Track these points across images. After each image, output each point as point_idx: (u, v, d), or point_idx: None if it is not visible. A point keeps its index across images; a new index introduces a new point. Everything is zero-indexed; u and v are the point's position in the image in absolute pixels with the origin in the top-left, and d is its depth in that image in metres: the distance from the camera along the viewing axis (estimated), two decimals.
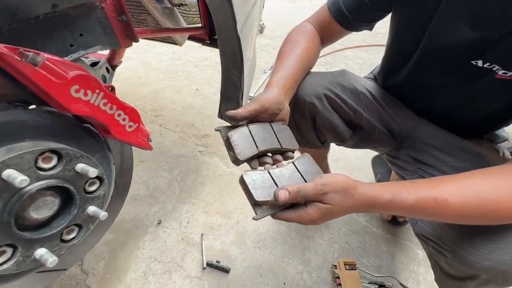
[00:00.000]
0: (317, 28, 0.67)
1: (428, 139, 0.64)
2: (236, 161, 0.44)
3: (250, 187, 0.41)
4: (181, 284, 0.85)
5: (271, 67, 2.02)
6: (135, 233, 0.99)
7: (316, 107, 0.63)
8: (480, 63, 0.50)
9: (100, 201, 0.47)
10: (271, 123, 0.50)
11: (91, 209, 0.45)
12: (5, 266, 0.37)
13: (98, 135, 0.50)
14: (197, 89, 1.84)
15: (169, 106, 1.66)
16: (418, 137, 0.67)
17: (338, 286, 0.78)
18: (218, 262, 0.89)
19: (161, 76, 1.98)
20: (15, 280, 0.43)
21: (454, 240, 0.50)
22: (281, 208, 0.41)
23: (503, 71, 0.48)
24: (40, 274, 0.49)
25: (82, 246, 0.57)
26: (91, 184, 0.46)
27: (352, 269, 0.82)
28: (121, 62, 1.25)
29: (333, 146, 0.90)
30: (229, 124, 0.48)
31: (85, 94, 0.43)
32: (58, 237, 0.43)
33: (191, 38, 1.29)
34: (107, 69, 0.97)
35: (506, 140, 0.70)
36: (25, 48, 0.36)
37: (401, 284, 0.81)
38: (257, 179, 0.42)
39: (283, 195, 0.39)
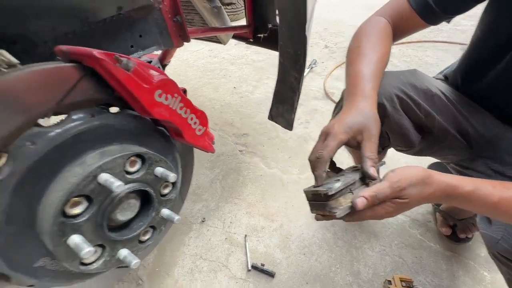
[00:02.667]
0: (391, 22, 0.61)
1: None
2: None
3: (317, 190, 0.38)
4: (226, 284, 0.86)
5: (310, 65, 1.96)
6: (181, 229, 1.02)
7: (386, 109, 0.58)
8: None
9: (172, 204, 0.48)
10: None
11: (165, 212, 0.46)
12: (95, 265, 0.38)
13: (170, 138, 0.51)
14: (234, 87, 1.84)
15: (207, 104, 1.68)
16: (502, 148, 0.59)
17: None
18: (263, 265, 0.88)
19: (199, 74, 2.02)
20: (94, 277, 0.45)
21: None
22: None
23: None
24: (116, 270, 0.51)
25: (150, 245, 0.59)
26: (165, 187, 0.47)
27: (409, 287, 0.76)
28: (170, 61, 1.28)
29: None
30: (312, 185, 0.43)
31: (166, 99, 0.43)
32: (137, 239, 0.44)
33: (234, 36, 1.28)
34: (159, 68, 0.98)
35: None
36: (119, 54, 0.36)
37: None
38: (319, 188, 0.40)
39: (361, 202, 0.37)
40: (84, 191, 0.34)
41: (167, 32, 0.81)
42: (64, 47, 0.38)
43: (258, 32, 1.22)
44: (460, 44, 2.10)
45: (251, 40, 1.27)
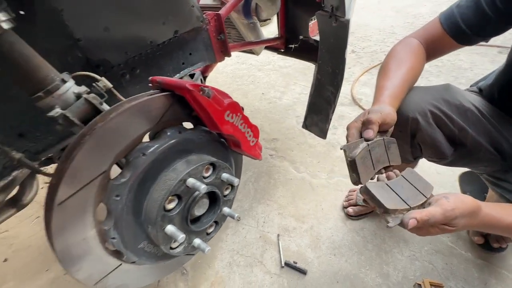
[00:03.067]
0: (423, 43, 0.65)
1: None
2: (357, 183, 0.49)
3: (378, 196, 0.45)
4: (262, 278, 0.94)
5: None
6: None
7: (419, 123, 0.62)
8: None
9: (230, 204, 0.57)
10: (384, 138, 0.54)
11: (226, 210, 0.55)
12: (178, 249, 0.48)
13: (228, 148, 0.60)
14: (262, 93, 1.93)
15: None
16: None
17: None
18: (296, 263, 0.96)
19: (228, 80, 2.13)
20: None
21: None
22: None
23: None
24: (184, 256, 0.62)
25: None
26: (226, 189, 0.56)
27: None
28: (209, 74, 1.40)
29: None
30: (346, 142, 0.53)
31: (232, 118, 0.52)
32: (205, 231, 0.53)
33: (266, 47, 1.37)
34: (201, 80, 1.11)
35: None
36: (203, 85, 0.46)
37: None
38: (380, 190, 0.46)
39: (412, 224, 0.42)
40: (177, 191, 0.44)
41: (211, 49, 0.93)
42: (158, 78, 0.48)
43: (289, 43, 1.29)
44: (497, 47, 1.97)
45: (282, 50, 1.36)
